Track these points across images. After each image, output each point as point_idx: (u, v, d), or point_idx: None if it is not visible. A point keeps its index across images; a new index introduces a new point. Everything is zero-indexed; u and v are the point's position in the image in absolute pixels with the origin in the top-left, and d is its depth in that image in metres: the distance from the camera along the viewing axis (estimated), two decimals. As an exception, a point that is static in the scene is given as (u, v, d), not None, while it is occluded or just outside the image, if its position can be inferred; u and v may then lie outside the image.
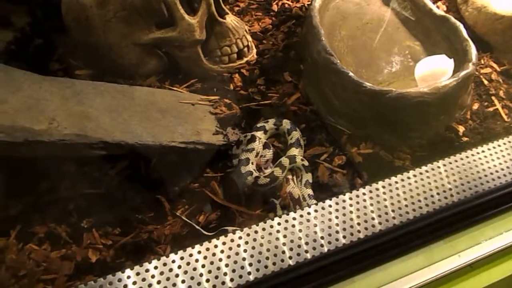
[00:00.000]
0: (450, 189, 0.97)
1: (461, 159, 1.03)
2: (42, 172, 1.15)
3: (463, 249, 0.95)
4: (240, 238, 0.90)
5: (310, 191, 1.17)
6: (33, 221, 1.11)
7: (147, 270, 0.86)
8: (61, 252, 1.06)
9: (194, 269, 0.86)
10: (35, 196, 1.14)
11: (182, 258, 0.87)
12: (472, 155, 1.04)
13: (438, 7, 1.57)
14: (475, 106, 1.37)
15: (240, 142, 1.26)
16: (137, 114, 1.22)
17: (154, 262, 0.86)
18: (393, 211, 0.94)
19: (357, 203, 0.95)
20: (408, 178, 1.00)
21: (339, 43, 1.47)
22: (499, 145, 1.04)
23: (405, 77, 1.37)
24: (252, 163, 1.20)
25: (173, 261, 0.87)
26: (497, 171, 1.00)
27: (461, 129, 1.30)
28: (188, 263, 0.86)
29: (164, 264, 0.86)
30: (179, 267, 0.86)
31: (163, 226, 1.12)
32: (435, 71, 1.30)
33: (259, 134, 1.27)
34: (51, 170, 1.15)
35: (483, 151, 1.04)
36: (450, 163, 1.02)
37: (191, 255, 0.87)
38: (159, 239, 1.09)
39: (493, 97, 1.39)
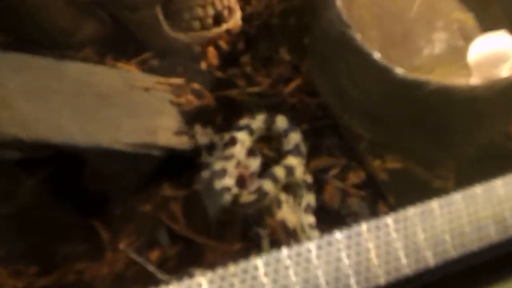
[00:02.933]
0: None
1: (525, 178, 1.06)
2: None
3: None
4: (211, 282, 0.90)
5: (311, 219, 1.19)
6: None
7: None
8: (-48, 296, 1.06)
9: (142, 327, 0.86)
10: None
11: (124, 311, 0.88)
12: (539, 174, 1.07)
13: (498, -35, 1.61)
14: (545, 108, 1.41)
15: (214, 147, 1.27)
16: (67, 101, 1.22)
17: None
18: (428, 248, 0.95)
19: (378, 237, 0.95)
20: (450, 204, 1.02)
21: (360, 10, 1.50)
22: None
23: (452, 63, 1.41)
24: (231, 176, 1.21)
25: (112, 315, 0.87)
26: None
27: (525, 138, 1.35)
28: (133, 319, 0.87)
29: (99, 320, 0.87)
30: (120, 324, 0.86)
31: (99, 264, 1.12)
32: (495, 55, 1.34)
33: (242, 135, 1.27)
34: None
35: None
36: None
37: (137, 306, 0.88)
38: (93, 282, 1.10)
39: None
